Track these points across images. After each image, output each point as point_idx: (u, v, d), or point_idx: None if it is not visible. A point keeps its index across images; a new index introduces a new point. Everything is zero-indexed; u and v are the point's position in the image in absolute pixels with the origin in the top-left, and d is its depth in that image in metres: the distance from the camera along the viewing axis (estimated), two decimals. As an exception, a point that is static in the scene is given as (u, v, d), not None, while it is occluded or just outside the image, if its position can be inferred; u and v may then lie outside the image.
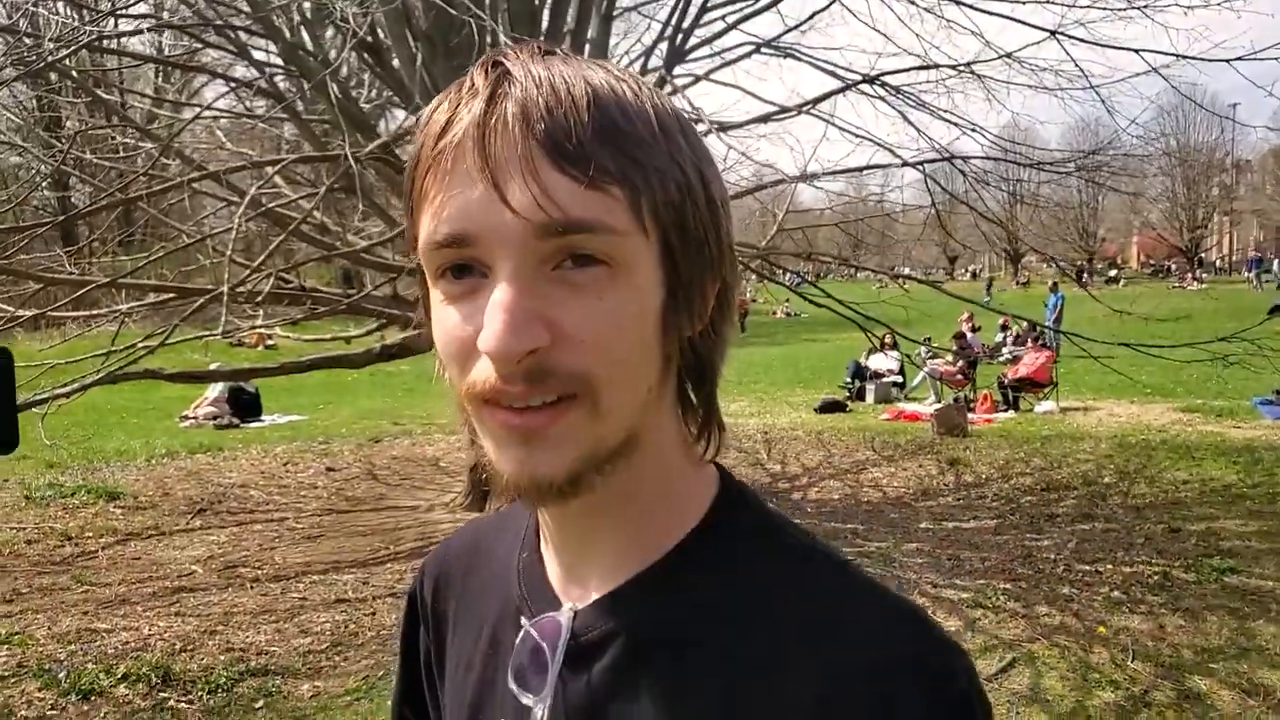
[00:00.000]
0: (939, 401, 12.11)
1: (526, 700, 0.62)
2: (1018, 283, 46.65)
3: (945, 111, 7.34)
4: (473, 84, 0.54)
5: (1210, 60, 5.98)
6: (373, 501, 7.92)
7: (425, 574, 0.79)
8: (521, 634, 0.64)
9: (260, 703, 4.07)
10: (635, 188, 0.53)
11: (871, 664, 0.55)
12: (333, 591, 5.52)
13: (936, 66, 7.06)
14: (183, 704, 4.06)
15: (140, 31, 8.71)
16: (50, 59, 5.29)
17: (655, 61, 7.37)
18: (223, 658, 4.52)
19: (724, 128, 6.43)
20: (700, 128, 7.26)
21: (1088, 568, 5.59)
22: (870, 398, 13.36)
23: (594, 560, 0.63)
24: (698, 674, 0.58)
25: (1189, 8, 6.28)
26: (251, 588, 5.61)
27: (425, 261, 0.56)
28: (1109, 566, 5.61)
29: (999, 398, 12.35)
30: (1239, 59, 5.91)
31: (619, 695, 0.59)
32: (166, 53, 8.29)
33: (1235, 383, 11.70)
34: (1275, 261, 38.66)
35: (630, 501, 0.61)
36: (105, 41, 7.08)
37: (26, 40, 5.69)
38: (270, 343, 19.12)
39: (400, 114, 9.62)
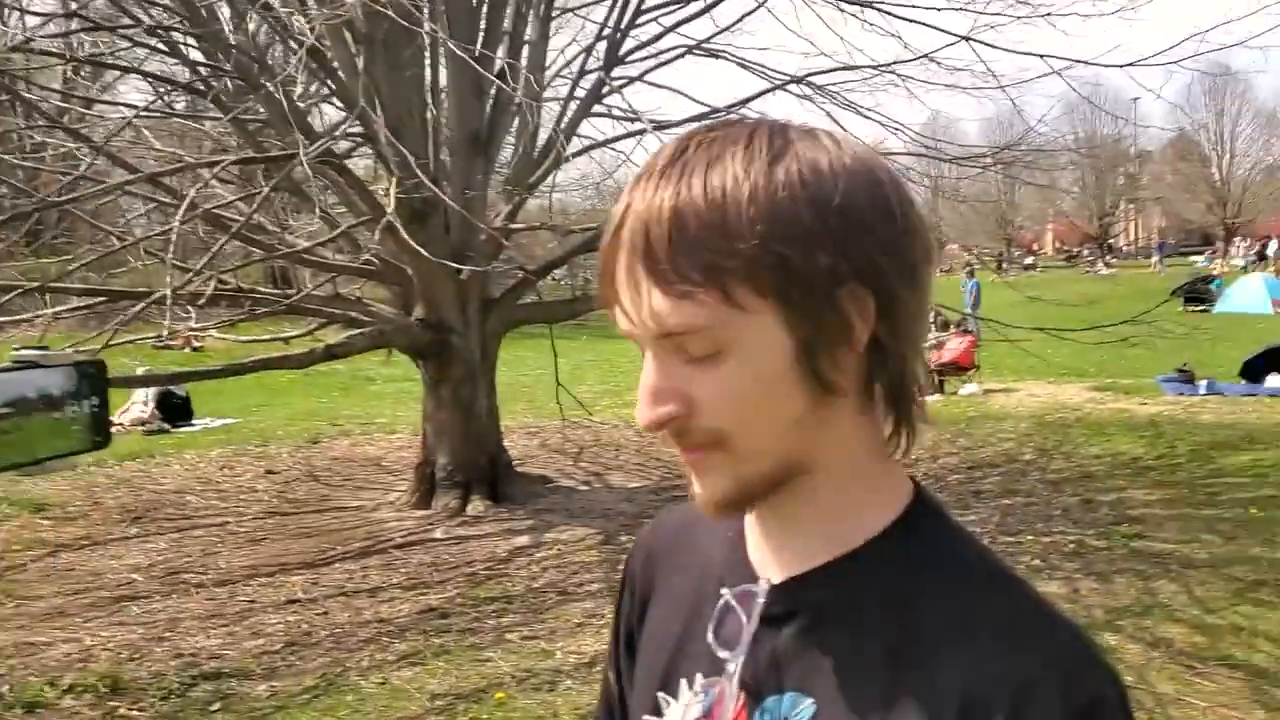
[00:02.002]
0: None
1: (723, 654, 0.73)
2: (941, 270, 47.93)
3: (869, 110, 7.61)
4: (620, 205, 0.66)
5: (1105, 65, 6.36)
6: (316, 503, 7.86)
7: (638, 547, 0.92)
8: (721, 600, 0.75)
9: (216, 705, 4.06)
10: (724, 287, 0.62)
11: (1016, 668, 0.62)
12: (282, 593, 5.51)
13: (859, 67, 7.32)
14: (134, 712, 4.03)
15: (66, 33, 8.39)
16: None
17: (594, 62, 7.49)
18: (174, 664, 4.48)
19: (660, 127, 6.60)
20: (636, 126, 7.45)
21: (1011, 539, 5.95)
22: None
23: (788, 547, 0.73)
24: (867, 651, 0.67)
25: (1085, 16, 6.67)
26: (197, 593, 5.56)
27: None
28: (1029, 538, 5.97)
29: (925, 381, 12.74)
30: (1131, 64, 6.31)
31: (800, 658, 0.70)
32: (77, 46, 8.00)
33: (1141, 362, 12.35)
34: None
35: (814, 504, 0.71)
36: (14, 34, 6.81)
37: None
38: (198, 344, 18.63)
39: (329, 110, 9.52)
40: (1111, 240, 57.79)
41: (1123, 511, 6.47)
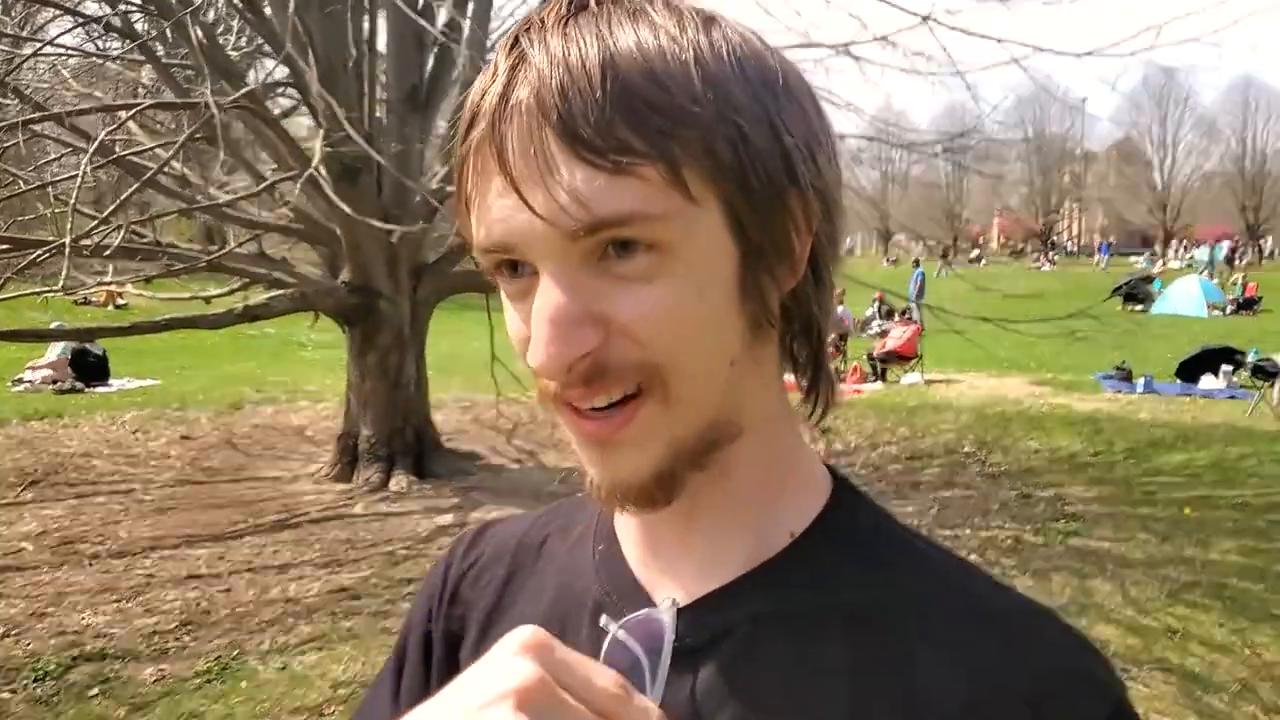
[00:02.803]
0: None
1: None
2: (888, 260, 48.51)
3: (824, 90, 7.46)
4: (494, 69, 0.49)
5: (1062, 54, 6.32)
6: (231, 472, 7.52)
7: (450, 568, 0.71)
8: (611, 634, 0.56)
9: (95, 689, 3.78)
10: (673, 160, 0.47)
11: (1022, 670, 0.52)
12: (184, 567, 5.21)
13: (818, 45, 7.14)
14: (4, 694, 3.75)
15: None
16: None
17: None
18: (53, 642, 4.19)
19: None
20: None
21: (948, 533, 5.85)
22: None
23: (696, 550, 0.57)
24: (819, 677, 0.53)
25: (1046, 2, 6.59)
26: (90, 565, 5.25)
27: (480, 260, 0.53)
28: (967, 531, 5.89)
29: (868, 370, 12.79)
30: (1088, 54, 6.26)
31: (732, 699, 0.53)
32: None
33: (1081, 358, 12.51)
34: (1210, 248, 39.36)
35: (730, 487, 0.56)
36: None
37: None
38: (121, 301, 17.96)
39: (270, 64, 9.11)
40: (1055, 237, 59.18)
41: (1060, 508, 6.43)
